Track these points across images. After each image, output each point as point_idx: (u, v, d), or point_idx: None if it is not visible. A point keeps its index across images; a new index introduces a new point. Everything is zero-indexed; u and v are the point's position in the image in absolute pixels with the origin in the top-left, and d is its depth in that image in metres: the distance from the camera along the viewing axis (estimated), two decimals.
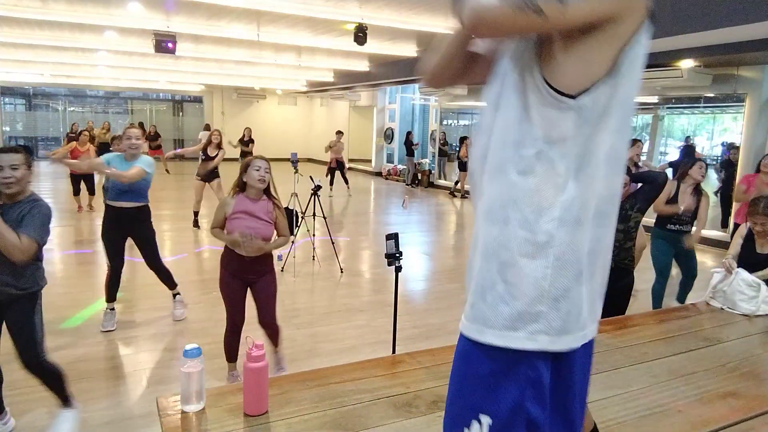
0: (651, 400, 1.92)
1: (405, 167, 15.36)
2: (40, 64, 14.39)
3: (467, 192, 13.03)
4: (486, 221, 1.11)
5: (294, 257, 6.28)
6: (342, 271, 6.06)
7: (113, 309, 4.24)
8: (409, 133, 15.33)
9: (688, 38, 6.32)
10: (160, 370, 3.61)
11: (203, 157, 8.05)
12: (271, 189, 3.26)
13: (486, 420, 1.10)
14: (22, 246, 2.39)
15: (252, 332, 3.28)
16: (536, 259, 1.04)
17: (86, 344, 3.05)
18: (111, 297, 4.20)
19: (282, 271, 5.98)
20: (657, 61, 7.56)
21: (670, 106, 9.27)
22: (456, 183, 13.15)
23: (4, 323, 2.58)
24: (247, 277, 3.26)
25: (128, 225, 4.14)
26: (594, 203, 1.05)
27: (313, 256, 6.43)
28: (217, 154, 7.99)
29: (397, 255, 3.02)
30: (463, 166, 12.91)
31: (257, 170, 3.12)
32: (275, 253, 6.14)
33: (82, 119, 19.15)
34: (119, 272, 4.19)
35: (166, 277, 4.43)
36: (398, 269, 3.06)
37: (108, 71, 15.68)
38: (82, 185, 8.92)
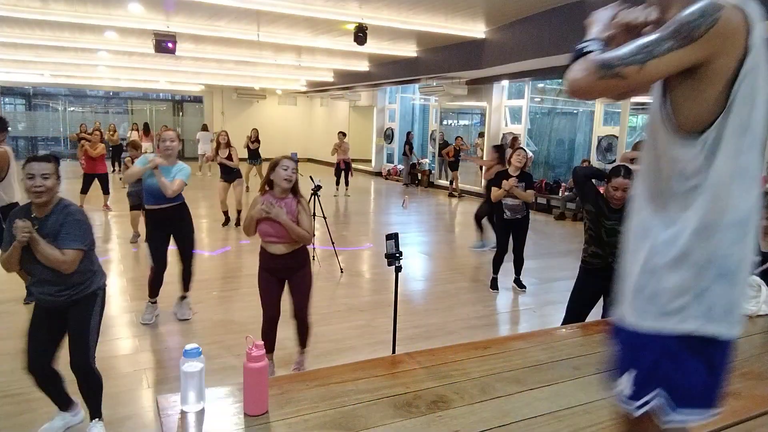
0: None
1: (403, 167, 15.40)
2: (40, 64, 14.39)
3: (462, 191, 13.04)
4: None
5: None
6: (342, 271, 6.06)
7: (155, 302, 4.37)
8: (408, 134, 15.35)
9: None
10: (160, 370, 3.61)
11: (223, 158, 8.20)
12: (298, 188, 3.39)
13: None
14: (67, 259, 2.45)
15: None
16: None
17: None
18: (154, 294, 4.33)
19: None
20: None
21: None
22: (451, 183, 13.06)
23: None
24: (282, 273, 3.39)
25: (170, 225, 4.26)
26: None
27: (313, 256, 6.43)
28: (230, 154, 8.09)
29: (397, 255, 3.02)
30: (453, 166, 12.88)
31: (285, 170, 3.25)
32: None
33: (82, 119, 19.16)
34: (163, 273, 4.29)
35: (189, 278, 4.47)
36: (398, 269, 3.06)
37: (108, 71, 15.68)
38: (96, 184, 8.81)
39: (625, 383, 1.29)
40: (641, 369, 1.28)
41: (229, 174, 8.16)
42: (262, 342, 3.19)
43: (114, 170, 15.13)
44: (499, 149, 7.36)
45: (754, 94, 1.12)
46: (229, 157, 8.11)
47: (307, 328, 3.53)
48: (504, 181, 5.19)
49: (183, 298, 4.51)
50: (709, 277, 1.20)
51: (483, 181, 7.23)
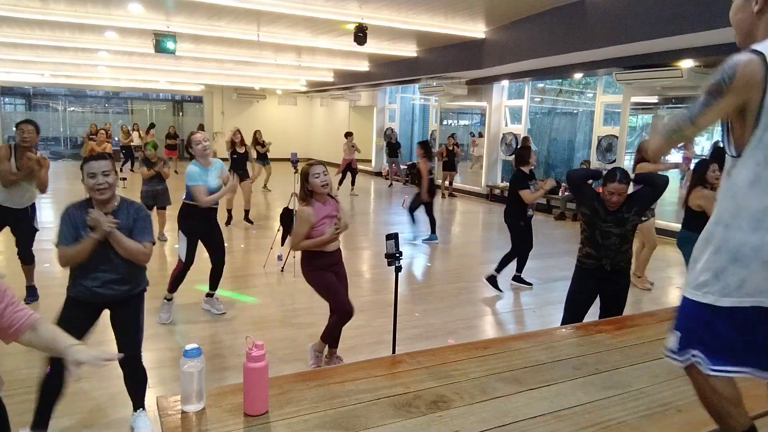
0: (651, 400, 1.92)
1: (387, 167, 15.34)
2: (40, 64, 14.40)
3: (455, 191, 13.03)
4: None
5: (294, 257, 6.27)
6: None
7: (172, 299, 4.42)
8: (392, 133, 15.23)
9: (688, 38, 6.32)
10: (160, 370, 3.60)
11: (235, 157, 8.21)
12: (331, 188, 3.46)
13: None
14: (147, 251, 2.63)
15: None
16: None
17: (86, 344, 3.08)
18: (175, 289, 4.39)
19: (282, 271, 5.98)
20: (657, 61, 7.57)
21: (670, 106, 9.27)
22: (450, 183, 12.94)
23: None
24: (333, 268, 3.46)
25: (206, 224, 4.37)
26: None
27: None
28: (246, 152, 8.18)
29: (397, 255, 3.02)
30: (446, 166, 12.81)
31: (317, 177, 3.27)
32: (275, 252, 6.13)
33: (82, 119, 19.18)
34: (188, 269, 4.37)
35: (219, 277, 4.58)
36: (398, 269, 3.06)
37: (108, 71, 15.69)
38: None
39: (672, 340, 1.62)
40: (682, 329, 1.61)
41: (239, 172, 8.15)
42: (332, 340, 3.36)
43: (122, 170, 15.20)
44: (424, 145, 7.82)
45: None
46: (247, 154, 8.26)
47: (351, 313, 3.52)
48: (540, 182, 5.44)
49: (211, 295, 4.65)
50: (724, 259, 1.51)
51: (426, 178, 7.60)
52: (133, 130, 16.92)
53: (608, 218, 3.26)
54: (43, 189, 4.45)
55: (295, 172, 6.76)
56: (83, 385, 3.27)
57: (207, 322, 4.45)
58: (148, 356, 3.80)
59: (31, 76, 16.77)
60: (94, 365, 1.71)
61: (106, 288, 2.59)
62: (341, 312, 3.41)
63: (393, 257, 3.02)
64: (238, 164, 8.24)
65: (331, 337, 3.51)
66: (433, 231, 7.87)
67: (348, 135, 12.80)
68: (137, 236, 2.60)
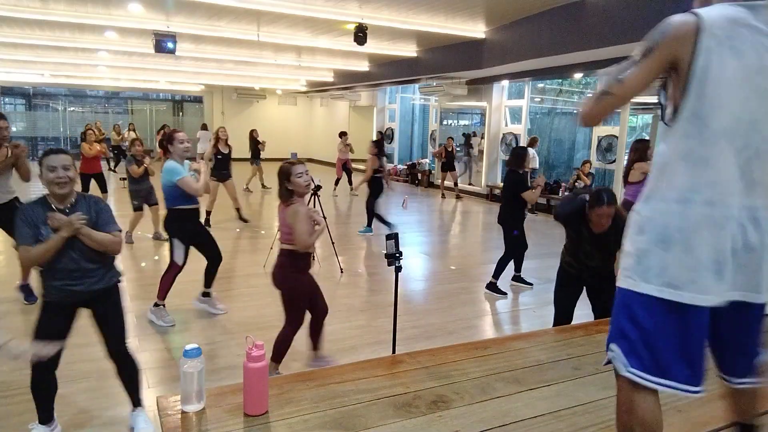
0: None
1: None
2: (40, 64, 14.40)
3: (460, 191, 12.98)
4: None
5: None
6: (342, 271, 6.06)
7: (164, 305, 4.37)
8: (380, 133, 15.01)
9: None
10: (160, 370, 3.60)
11: (219, 157, 8.13)
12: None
13: None
14: (118, 239, 2.64)
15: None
16: None
17: (87, 344, 3.07)
18: (165, 296, 4.34)
19: None
20: None
21: None
22: (455, 183, 12.90)
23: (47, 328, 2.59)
24: (308, 269, 3.41)
25: (192, 225, 4.32)
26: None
27: (313, 256, 6.42)
28: (230, 152, 8.12)
29: (397, 255, 3.02)
30: (445, 167, 12.74)
31: (300, 177, 3.18)
32: (275, 252, 6.13)
33: (82, 119, 19.17)
34: (179, 272, 4.33)
35: (215, 276, 4.56)
36: (398, 269, 3.06)
37: (108, 71, 15.69)
38: (93, 184, 8.77)
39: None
40: (612, 321, 1.46)
41: (222, 172, 8.07)
42: (281, 353, 3.22)
43: (116, 170, 15.18)
44: (378, 144, 8.09)
45: (706, 88, 1.30)
46: (230, 155, 8.17)
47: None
48: (534, 181, 5.40)
49: (208, 294, 4.60)
50: (648, 240, 1.38)
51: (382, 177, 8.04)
52: (129, 129, 16.91)
53: (593, 240, 3.24)
54: (26, 177, 4.37)
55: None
56: (81, 385, 3.27)
57: (207, 322, 4.45)
58: (149, 356, 3.81)
59: (31, 76, 16.77)
60: (25, 358, 1.80)
61: (81, 285, 2.56)
62: (297, 323, 3.33)
63: (393, 257, 3.02)
64: (221, 164, 8.10)
65: (285, 348, 3.35)
66: (369, 224, 8.23)
67: (342, 134, 12.78)
68: (104, 227, 2.59)
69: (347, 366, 2.08)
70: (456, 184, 12.83)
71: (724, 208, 1.32)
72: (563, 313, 3.53)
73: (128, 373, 2.76)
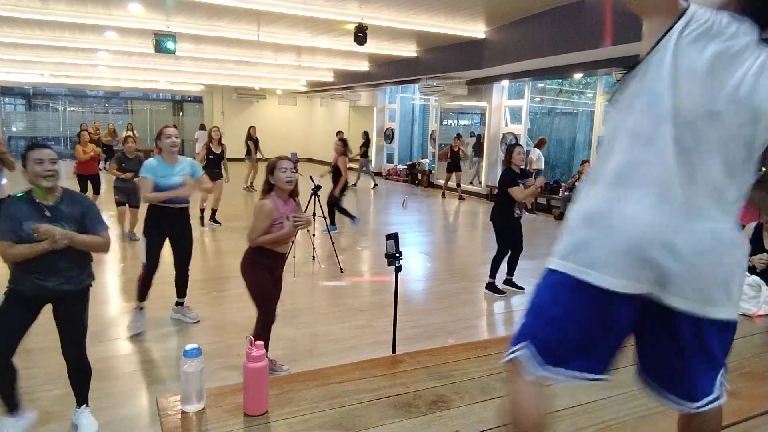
0: (650, 400, 1.92)
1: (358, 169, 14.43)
2: (40, 64, 14.39)
3: (463, 192, 12.96)
4: None
5: (294, 257, 6.27)
6: (342, 271, 6.05)
7: (143, 308, 4.20)
8: (365, 133, 14.60)
9: None
10: (160, 370, 3.60)
11: (210, 157, 8.09)
12: (297, 189, 3.34)
13: None
14: (107, 239, 2.66)
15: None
16: None
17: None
18: (143, 297, 4.16)
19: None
20: None
21: None
22: (458, 185, 12.86)
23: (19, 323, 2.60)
24: (277, 271, 3.39)
25: (174, 226, 4.13)
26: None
27: (313, 257, 6.43)
28: (222, 152, 8.07)
29: (397, 255, 3.01)
30: (450, 167, 12.72)
31: (284, 171, 3.15)
32: None
33: (82, 119, 19.15)
34: (154, 274, 4.13)
35: (186, 283, 4.37)
36: (398, 269, 3.06)
37: (108, 71, 15.69)
38: (89, 185, 8.76)
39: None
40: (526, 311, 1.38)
41: (214, 171, 8.00)
42: (261, 343, 3.21)
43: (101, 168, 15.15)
44: (344, 142, 8.16)
45: (662, 66, 1.25)
46: (223, 154, 8.13)
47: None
48: (530, 181, 5.26)
49: (181, 304, 4.41)
50: (576, 218, 1.33)
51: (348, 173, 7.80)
52: (127, 130, 16.90)
53: None
54: (11, 167, 4.40)
55: (296, 177, 6.77)
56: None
57: (206, 322, 4.44)
58: (148, 356, 3.81)
59: (31, 76, 16.77)
60: None
61: (53, 282, 2.56)
62: (267, 320, 3.32)
63: (393, 257, 3.01)
64: (213, 164, 8.04)
65: (264, 339, 3.30)
66: (332, 222, 7.94)
67: (339, 134, 12.79)
68: (92, 228, 2.61)
69: (347, 366, 2.08)
70: (459, 185, 12.78)
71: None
72: None
73: (81, 375, 2.78)
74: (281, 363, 3.57)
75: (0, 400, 2.63)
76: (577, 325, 1.28)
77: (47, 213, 2.52)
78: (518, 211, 5.35)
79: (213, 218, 8.30)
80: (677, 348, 1.33)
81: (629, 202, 1.25)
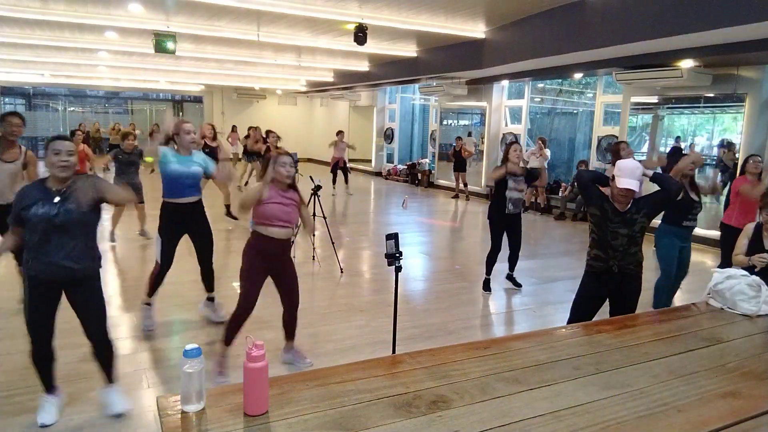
0: (651, 400, 1.92)
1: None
2: (40, 64, 14.40)
3: (468, 192, 12.95)
4: None
5: (294, 257, 6.27)
6: (342, 271, 6.05)
7: (151, 304, 4.21)
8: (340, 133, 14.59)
9: (688, 38, 6.31)
10: (160, 370, 3.60)
11: (206, 151, 8.05)
12: (295, 183, 3.44)
13: None
14: (125, 190, 2.98)
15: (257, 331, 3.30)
16: None
17: (86, 344, 3.07)
18: (153, 292, 4.17)
19: None
20: (657, 61, 7.56)
21: (670, 106, 9.26)
22: (465, 185, 12.80)
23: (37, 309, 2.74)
24: (275, 258, 3.40)
25: (186, 221, 4.10)
26: None
27: (313, 256, 6.43)
28: (217, 147, 8.06)
29: (397, 255, 3.02)
30: (455, 167, 12.76)
31: (283, 167, 3.29)
32: None
33: (82, 119, 19.16)
34: (167, 271, 4.11)
35: (212, 276, 4.36)
36: (398, 269, 3.06)
37: (108, 71, 15.68)
38: None
39: None
40: None
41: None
42: (227, 337, 3.27)
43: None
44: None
45: None
46: (217, 150, 8.09)
47: (296, 318, 3.61)
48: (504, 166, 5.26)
49: (211, 299, 4.42)
50: None
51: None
52: (130, 128, 16.94)
53: (616, 219, 3.23)
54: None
55: (295, 172, 6.76)
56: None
57: (207, 321, 4.44)
58: (148, 356, 3.82)
59: (31, 76, 16.77)
60: None
61: (60, 257, 2.65)
62: (243, 306, 3.33)
63: (393, 257, 3.02)
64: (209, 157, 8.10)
65: (231, 330, 3.37)
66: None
67: (339, 133, 12.81)
68: (106, 192, 2.78)
69: (347, 366, 2.08)
70: (465, 185, 12.80)
71: None
72: (579, 321, 3.32)
73: (107, 355, 2.94)
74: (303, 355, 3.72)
75: (40, 380, 2.87)
76: None
77: (56, 198, 2.64)
78: (511, 207, 5.33)
79: (229, 213, 8.32)
80: None
81: None
